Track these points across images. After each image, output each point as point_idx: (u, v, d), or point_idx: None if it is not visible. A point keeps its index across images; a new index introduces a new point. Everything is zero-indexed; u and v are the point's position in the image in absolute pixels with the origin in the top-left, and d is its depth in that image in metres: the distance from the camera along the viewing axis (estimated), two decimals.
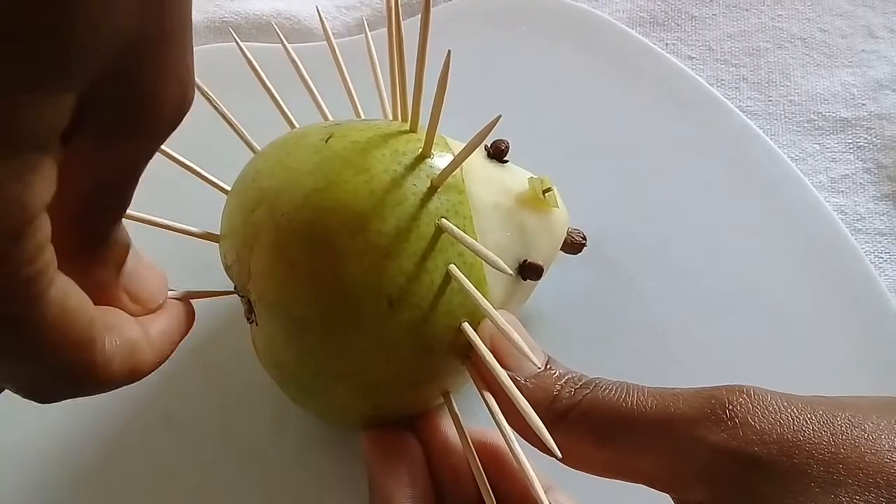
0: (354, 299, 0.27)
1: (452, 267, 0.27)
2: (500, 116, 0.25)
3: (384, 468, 0.28)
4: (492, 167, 0.32)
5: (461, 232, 0.27)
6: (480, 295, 0.27)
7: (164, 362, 0.25)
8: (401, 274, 0.27)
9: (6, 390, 0.21)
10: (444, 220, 0.28)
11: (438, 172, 0.28)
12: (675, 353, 0.36)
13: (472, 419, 0.29)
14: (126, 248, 0.24)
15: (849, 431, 0.21)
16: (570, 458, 0.25)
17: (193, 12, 0.45)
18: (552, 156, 0.33)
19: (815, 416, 0.22)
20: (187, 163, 0.33)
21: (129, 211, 0.29)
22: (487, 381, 0.27)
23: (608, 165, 0.40)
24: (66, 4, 0.16)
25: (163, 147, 0.32)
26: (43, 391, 0.21)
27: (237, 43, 0.36)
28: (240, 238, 0.29)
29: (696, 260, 0.38)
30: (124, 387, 0.34)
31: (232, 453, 0.34)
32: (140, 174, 0.22)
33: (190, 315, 0.27)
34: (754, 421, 0.22)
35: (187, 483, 0.34)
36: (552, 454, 0.24)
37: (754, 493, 0.21)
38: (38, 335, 0.19)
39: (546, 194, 0.32)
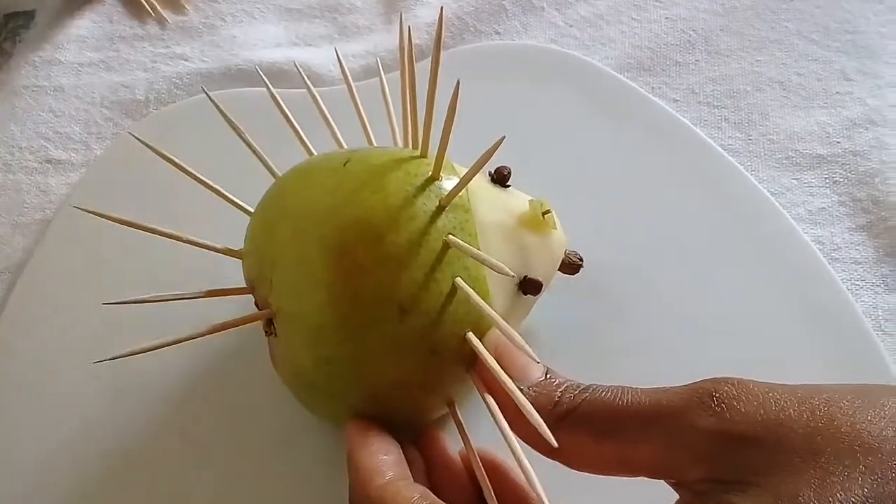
0: (370, 306, 0.29)
1: (458, 279, 0.29)
2: (503, 137, 0.28)
3: (364, 447, 0.29)
4: (495, 191, 0.34)
5: (464, 243, 0.29)
6: (484, 302, 0.29)
7: None
8: (412, 283, 0.29)
9: None
10: (450, 235, 0.30)
11: (447, 193, 0.31)
12: (664, 375, 0.37)
13: (473, 436, 0.30)
14: None
15: (825, 408, 0.23)
16: (574, 459, 0.27)
17: (208, 60, 0.49)
18: (547, 191, 0.35)
19: (795, 398, 0.24)
20: (218, 187, 0.35)
21: (153, 226, 0.32)
22: (491, 388, 0.28)
23: (600, 200, 0.42)
24: None
25: (192, 171, 0.35)
26: None
27: (268, 87, 0.38)
28: (263, 254, 0.32)
29: (682, 288, 0.40)
30: (140, 403, 0.37)
31: (246, 468, 0.36)
32: None
33: None
34: (739, 405, 0.24)
35: (202, 497, 0.35)
36: (550, 450, 0.26)
37: (744, 465, 0.23)
38: None
39: (545, 216, 0.34)
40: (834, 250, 0.42)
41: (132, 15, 0.51)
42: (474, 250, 0.29)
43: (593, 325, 0.39)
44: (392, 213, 0.30)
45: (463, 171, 0.33)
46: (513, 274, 0.27)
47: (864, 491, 0.21)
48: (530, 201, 0.34)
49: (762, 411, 0.24)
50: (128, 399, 0.38)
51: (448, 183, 0.31)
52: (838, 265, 0.41)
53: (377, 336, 0.29)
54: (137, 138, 0.36)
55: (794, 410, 0.24)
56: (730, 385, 0.25)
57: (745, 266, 0.41)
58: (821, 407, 0.23)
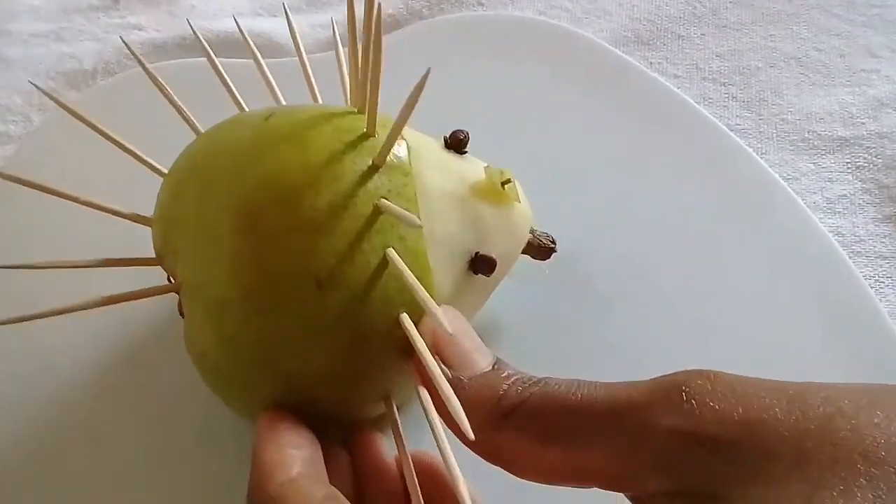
0: (279, 278, 0.24)
1: (390, 250, 0.25)
2: (429, 69, 0.23)
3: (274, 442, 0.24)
4: (448, 156, 0.29)
5: (391, 204, 0.25)
6: (414, 278, 0.24)
7: None
8: (332, 253, 0.24)
9: None
10: (383, 199, 0.25)
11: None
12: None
13: (419, 439, 0.26)
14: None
15: (821, 408, 0.18)
16: (518, 464, 0.23)
17: (162, 30, 0.45)
18: (532, 172, 0.31)
19: (784, 396, 0.19)
20: (149, 160, 0.31)
21: (62, 190, 0.28)
22: (425, 380, 0.24)
23: (589, 183, 0.38)
24: None
25: (120, 140, 0.31)
26: None
27: (208, 54, 0.34)
28: (169, 218, 0.28)
29: (679, 282, 0.35)
30: (50, 396, 0.32)
31: (156, 471, 0.31)
32: None
33: None
34: (714, 402, 0.19)
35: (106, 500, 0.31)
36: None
37: (715, 476, 0.18)
38: None
39: (505, 186, 0.29)
40: (856, 242, 0.36)
41: None
42: (396, 208, 0.24)
43: (573, 319, 0.34)
44: (313, 171, 0.25)
45: (413, 133, 0.29)
46: (420, 223, 0.23)
47: None
48: (486, 168, 0.29)
49: (740, 409, 0.19)
50: (32, 388, 0.33)
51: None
52: (861, 259, 0.36)
53: (289, 313, 0.24)
54: (63, 105, 0.31)
55: (780, 410, 0.19)
56: (704, 378, 0.20)
57: (753, 259, 0.35)
58: (816, 406, 0.19)
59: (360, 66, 0.28)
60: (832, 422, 0.18)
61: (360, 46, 0.28)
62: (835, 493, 0.17)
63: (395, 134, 0.25)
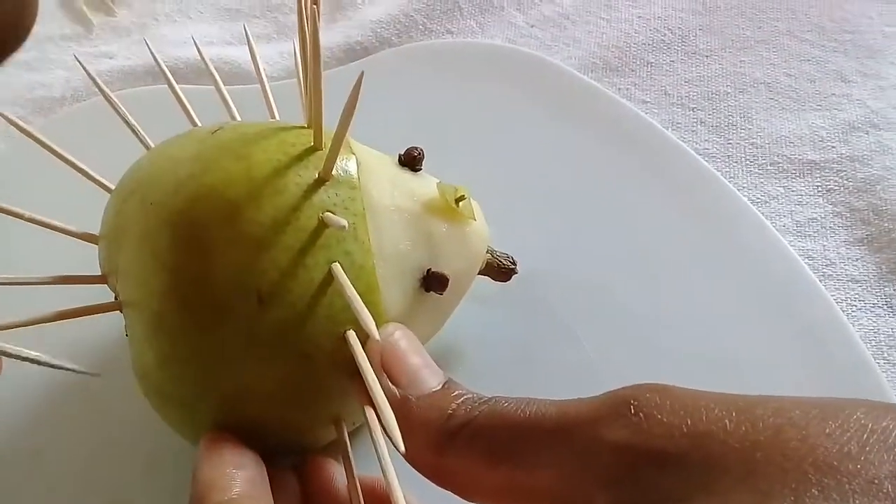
0: (219, 293, 0.24)
1: (336, 266, 0.24)
2: (362, 72, 0.22)
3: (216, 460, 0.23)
4: (401, 172, 0.29)
5: (331, 214, 0.24)
6: (354, 292, 0.23)
7: None
8: (274, 268, 0.24)
9: None
10: (328, 213, 0.25)
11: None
12: None
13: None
14: None
15: (772, 419, 0.18)
16: (466, 486, 0.22)
17: (132, 58, 0.45)
18: (501, 195, 0.31)
19: (734, 408, 0.18)
20: (82, 166, 0.31)
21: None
22: (371, 400, 0.23)
23: (558, 206, 0.37)
24: None
25: (75, 161, 0.30)
26: None
27: (168, 81, 0.34)
28: (111, 233, 0.27)
29: (645, 307, 0.34)
30: None
31: (104, 499, 0.30)
32: None
33: None
34: (662, 415, 0.19)
35: None
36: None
37: (661, 491, 0.18)
38: None
39: (460, 204, 0.29)
40: (827, 266, 0.36)
41: (65, 17, 0.48)
42: (330, 214, 0.24)
43: (535, 343, 0.33)
44: (255, 184, 0.25)
45: (365, 149, 0.29)
46: (345, 224, 0.22)
47: None
48: (439, 184, 0.29)
49: (689, 422, 0.18)
50: None
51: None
52: (832, 283, 0.35)
53: (229, 330, 0.24)
54: (19, 126, 0.31)
55: (729, 421, 0.18)
56: (653, 392, 0.19)
57: (722, 283, 0.35)
58: (766, 418, 0.18)
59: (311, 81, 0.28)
60: (782, 433, 0.17)
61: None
62: None
63: (337, 143, 0.25)
